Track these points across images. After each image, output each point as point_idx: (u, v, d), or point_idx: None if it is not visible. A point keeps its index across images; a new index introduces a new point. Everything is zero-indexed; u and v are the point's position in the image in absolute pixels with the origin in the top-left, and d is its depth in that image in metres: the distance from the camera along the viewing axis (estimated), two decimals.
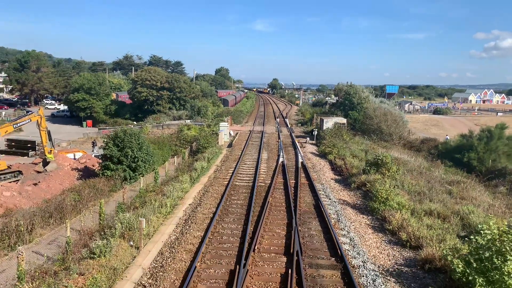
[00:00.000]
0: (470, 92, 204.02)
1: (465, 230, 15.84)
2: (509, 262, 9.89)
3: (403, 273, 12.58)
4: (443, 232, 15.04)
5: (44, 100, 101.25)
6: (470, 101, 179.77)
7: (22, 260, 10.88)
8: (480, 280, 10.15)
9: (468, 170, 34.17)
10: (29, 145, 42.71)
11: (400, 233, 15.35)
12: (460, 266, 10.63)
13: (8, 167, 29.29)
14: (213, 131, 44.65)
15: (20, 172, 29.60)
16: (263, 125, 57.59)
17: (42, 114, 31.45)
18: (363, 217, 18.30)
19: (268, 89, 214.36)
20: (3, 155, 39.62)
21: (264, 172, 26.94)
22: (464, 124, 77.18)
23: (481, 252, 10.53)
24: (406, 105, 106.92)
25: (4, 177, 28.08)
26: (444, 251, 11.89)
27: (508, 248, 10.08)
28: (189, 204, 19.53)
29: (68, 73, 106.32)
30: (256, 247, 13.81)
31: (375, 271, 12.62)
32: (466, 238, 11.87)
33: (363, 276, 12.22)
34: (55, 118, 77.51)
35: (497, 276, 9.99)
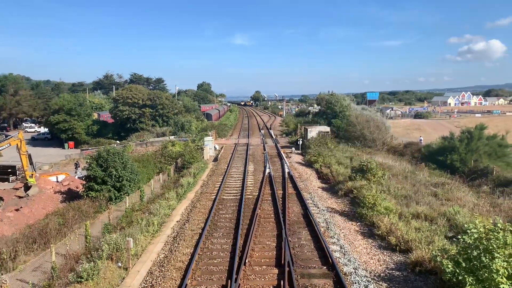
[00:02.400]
0: (448, 95, 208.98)
1: (452, 230, 16.02)
2: (496, 259, 10.02)
3: (395, 277, 12.61)
4: (431, 234, 15.19)
5: (23, 123, 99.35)
6: (449, 104, 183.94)
7: None
8: (470, 279, 10.24)
9: (451, 171, 34.70)
10: (9, 170, 41.72)
11: (389, 237, 15.43)
12: (449, 266, 10.72)
13: None
14: (198, 146, 44.44)
15: (1, 199, 28.81)
16: (248, 138, 57.62)
17: (22, 138, 30.81)
18: (352, 224, 18.36)
19: (251, 102, 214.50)
20: None
21: (251, 184, 26.85)
22: (445, 127, 78.76)
23: (469, 251, 10.65)
24: (388, 111, 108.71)
25: None
26: (433, 253, 11.98)
27: (495, 245, 10.22)
28: (177, 221, 19.28)
29: (47, 95, 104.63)
30: (247, 261, 13.68)
31: (367, 277, 12.61)
32: (454, 239, 12.01)
33: (355, 283, 12.19)
34: (35, 141, 76.02)
35: (486, 274, 10.09)
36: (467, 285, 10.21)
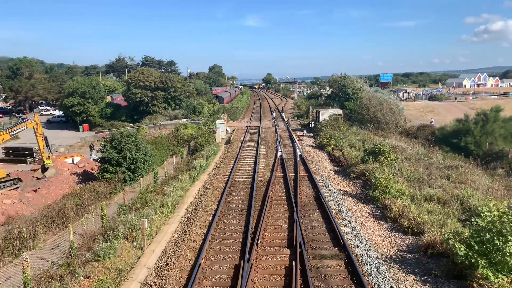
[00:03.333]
0: (464, 76, 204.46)
1: (465, 213, 15.96)
2: (510, 242, 10.01)
3: (406, 259, 12.69)
4: (443, 216, 15.15)
5: (39, 106, 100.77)
6: (465, 85, 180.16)
7: (27, 266, 10.91)
8: (482, 262, 10.27)
9: (465, 154, 34.29)
10: (26, 152, 42.65)
11: (401, 220, 15.47)
12: (462, 249, 10.74)
13: (7, 175, 29.21)
14: (210, 128, 44.62)
15: (19, 180, 29.54)
16: (260, 120, 57.59)
17: (37, 121, 31.33)
18: (364, 206, 18.42)
19: (263, 84, 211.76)
20: (1, 163, 39.56)
21: (263, 166, 26.99)
22: (459, 109, 77.37)
23: (482, 234, 10.64)
24: (401, 93, 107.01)
25: (4, 185, 28.02)
26: (446, 235, 11.99)
27: (508, 229, 10.19)
28: (190, 202, 19.58)
29: (61, 78, 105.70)
30: (259, 241, 13.89)
31: (378, 258, 12.73)
32: (466, 222, 12.00)
33: (366, 264, 12.32)
34: (51, 124, 77.20)
35: (499, 257, 10.11)
36: (480, 267, 10.24)
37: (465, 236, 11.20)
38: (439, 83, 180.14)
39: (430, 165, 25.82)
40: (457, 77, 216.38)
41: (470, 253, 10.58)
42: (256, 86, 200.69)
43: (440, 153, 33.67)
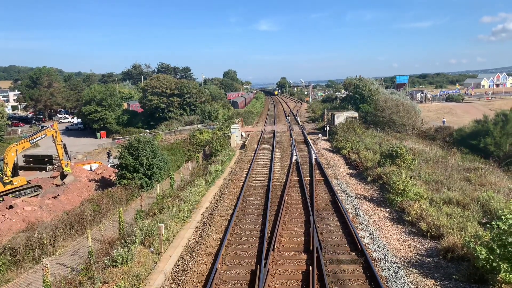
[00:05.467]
0: (482, 77, 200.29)
1: (486, 216, 15.61)
2: None
3: (425, 263, 12.46)
4: (463, 220, 14.84)
5: (57, 114, 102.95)
6: (483, 86, 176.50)
7: (47, 272, 11.12)
8: (504, 266, 10.01)
9: (485, 156, 33.60)
10: (46, 159, 43.60)
11: (419, 223, 15.21)
12: (483, 253, 10.49)
13: (28, 182, 29.89)
14: (225, 133, 44.80)
15: (39, 187, 30.17)
16: (274, 125, 57.56)
17: (56, 128, 32.01)
18: (381, 210, 18.18)
19: (278, 89, 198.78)
20: (22, 171, 40.48)
21: (278, 171, 26.94)
22: (478, 110, 75.87)
23: (504, 237, 10.37)
24: (418, 95, 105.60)
25: (25, 192, 28.65)
26: (466, 239, 11.73)
27: None
28: (206, 207, 19.66)
29: (79, 87, 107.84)
30: (275, 246, 13.84)
31: (396, 263, 12.53)
32: (487, 225, 11.70)
33: (385, 269, 12.14)
34: (69, 131, 78.77)
35: None
36: (502, 271, 9.99)
37: (486, 240, 10.93)
38: (457, 84, 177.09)
39: (448, 167, 25.34)
40: (475, 77, 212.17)
41: (491, 257, 10.32)
42: (276, 92, 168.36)
43: (459, 154, 33.03)
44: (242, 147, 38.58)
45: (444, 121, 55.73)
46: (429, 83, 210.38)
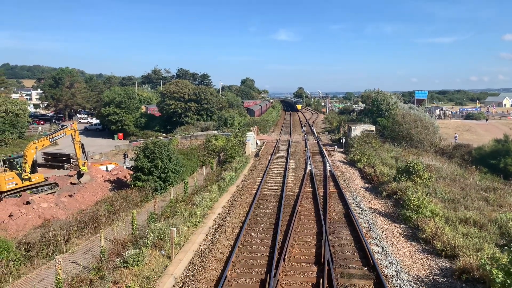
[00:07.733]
0: (504, 95, 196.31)
1: (504, 238, 15.23)
2: None
3: (439, 283, 12.18)
4: (480, 240, 14.50)
5: (77, 114, 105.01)
6: (505, 105, 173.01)
7: (60, 269, 11.26)
8: None
9: (505, 176, 32.85)
10: (64, 158, 44.43)
11: (434, 241, 14.91)
12: (500, 276, 10.22)
13: (45, 179, 30.44)
14: (240, 141, 44.90)
15: (56, 184, 30.69)
16: (290, 134, 57.47)
17: (76, 128, 32.62)
18: (395, 226, 17.90)
19: (300, 100, 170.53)
20: (41, 168, 41.28)
21: (292, 181, 26.83)
22: (499, 129, 74.35)
23: None
24: (437, 111, 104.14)
25: (42, 189, 29.18)
26: (482, 260, 11.44)
27: None
28: (218, 214, 19.68)
29: (99, 88, 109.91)
30: (286, 256, 13.74)
31: (409, 281, 12.28)
32: (505, 247, 11.40)
33: (397, 286, 11.92)
34: (88, 131, 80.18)
35: None
36: None
37: (504, 262, 10.65)
38: (477, 102, 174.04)
39: (466, 186, 24.86)
40: (497, 95, 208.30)
41: (508, 281, 10.04)
42: (299, 106, 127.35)
43: (477, 173, 32.37)
44: (257, 155, 38.59)
45: (456, 137, 54.92)
46: (448, 100, 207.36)
